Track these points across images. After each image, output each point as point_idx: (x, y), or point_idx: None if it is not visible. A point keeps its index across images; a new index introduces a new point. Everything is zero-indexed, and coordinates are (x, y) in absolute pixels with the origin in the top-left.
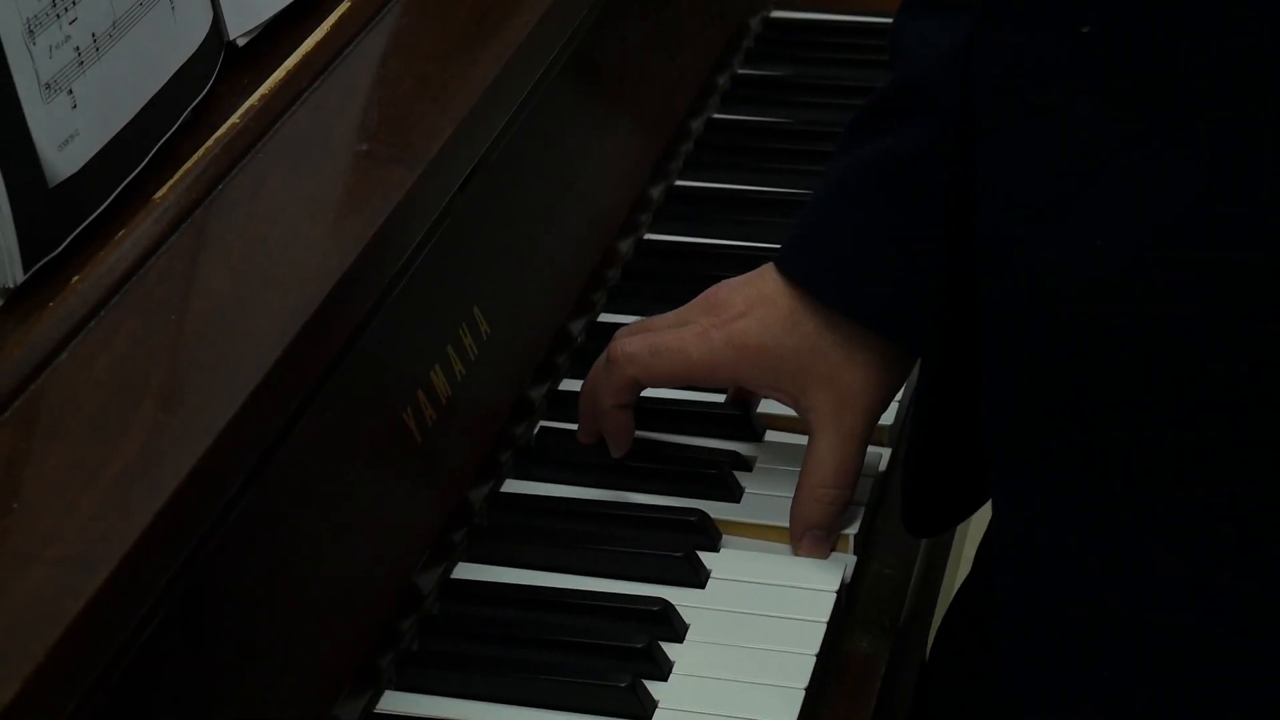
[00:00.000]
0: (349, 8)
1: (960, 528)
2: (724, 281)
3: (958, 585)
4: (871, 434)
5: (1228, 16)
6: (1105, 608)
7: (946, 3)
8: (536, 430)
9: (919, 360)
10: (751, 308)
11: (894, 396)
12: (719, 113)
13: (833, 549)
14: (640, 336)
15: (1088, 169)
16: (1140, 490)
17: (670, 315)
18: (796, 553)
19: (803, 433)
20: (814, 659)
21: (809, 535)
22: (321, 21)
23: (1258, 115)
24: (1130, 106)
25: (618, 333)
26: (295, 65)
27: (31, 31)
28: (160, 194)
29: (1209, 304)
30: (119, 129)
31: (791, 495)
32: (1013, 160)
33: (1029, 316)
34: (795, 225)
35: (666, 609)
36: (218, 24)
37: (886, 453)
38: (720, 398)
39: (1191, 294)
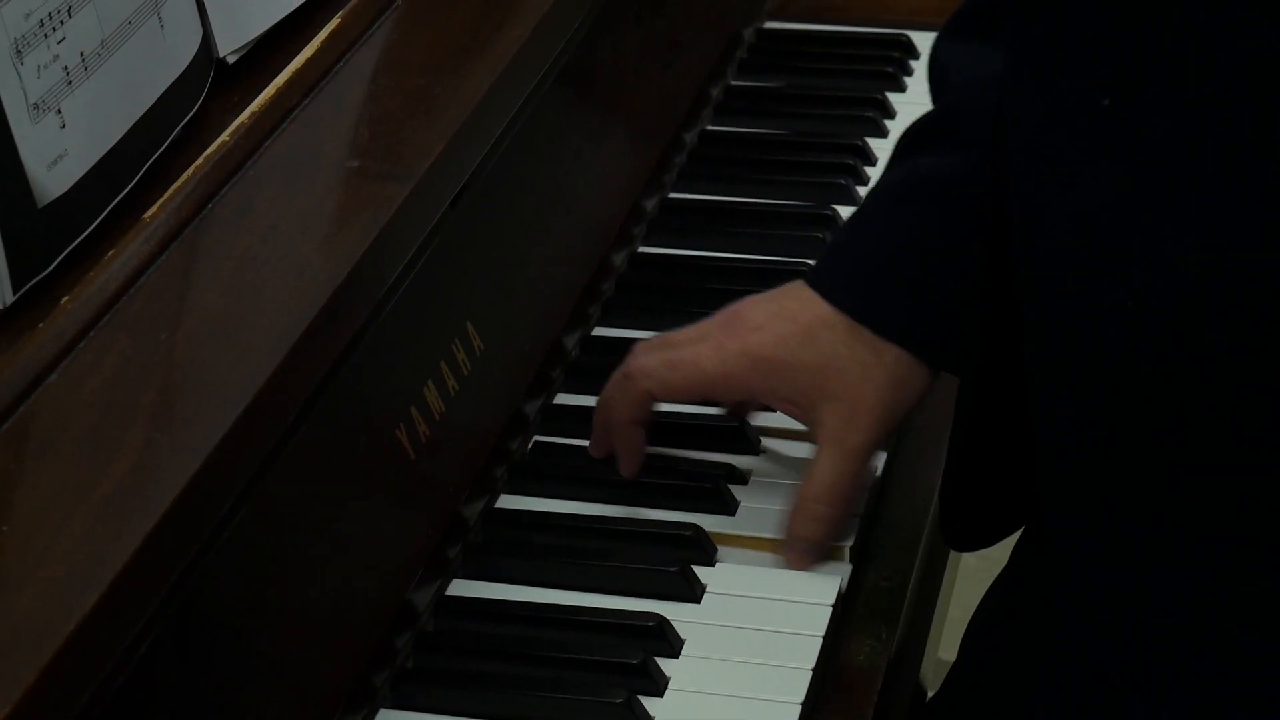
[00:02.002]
0: (339, 24)
1: None
2: (746, 298)
3: (955, 595)
4: (875, 453)
5: (1246, 89)
6: (1161, 649)
7: (986, 28)
8: (531, 445)
9: (933, 383)
10: (770, 321)
11: (903, 418)
12: (712, 124)
13: (827, 559)
14: (657, 351)
15: (1116, 235)
16: (1199, 537)
17: (690, 330)
18: (783, 561)
19: (799, 443)
20: (810, 673)
21: (795, 547)
22: (312, 38)
23: (1271, 185)
24: (1152, 176)
25: (635, 348)
26: (285, 82)
27: (19, 51)
28: (150, 213)
29: (1240, 363)
30: (108, 148)
31: (786, 508)
32: (1045, 224)
33: (1074, 369)
34: (829, 244)
35: (662, 624)
36: (207, 41)
37: (882, 463)
38: (717, 411)
39: (1220, 353)
